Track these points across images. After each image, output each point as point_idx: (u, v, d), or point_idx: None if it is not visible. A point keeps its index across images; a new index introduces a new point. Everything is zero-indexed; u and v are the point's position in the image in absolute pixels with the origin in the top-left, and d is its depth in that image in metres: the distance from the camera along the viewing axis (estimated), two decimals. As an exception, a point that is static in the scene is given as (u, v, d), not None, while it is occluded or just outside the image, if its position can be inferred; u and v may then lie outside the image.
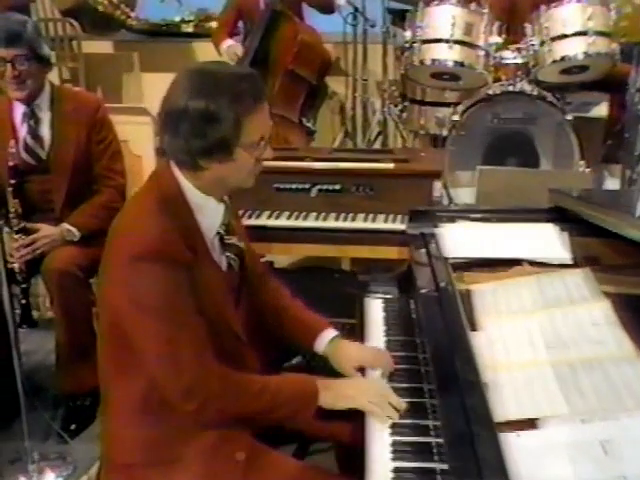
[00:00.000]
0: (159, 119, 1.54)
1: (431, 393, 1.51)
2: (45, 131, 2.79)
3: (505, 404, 1.31)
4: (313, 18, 4.07)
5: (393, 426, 1.49)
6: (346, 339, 1.80)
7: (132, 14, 5.68)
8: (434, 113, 3.81)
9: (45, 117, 2.80)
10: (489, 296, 1.73)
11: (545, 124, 3.26)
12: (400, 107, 3.83)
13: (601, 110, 3.84)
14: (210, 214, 1.61)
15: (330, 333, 1.79)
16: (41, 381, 2.95)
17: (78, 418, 2.73)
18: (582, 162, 3.18)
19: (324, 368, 2.47)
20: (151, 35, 5.42)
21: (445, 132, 3.53)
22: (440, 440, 1.36)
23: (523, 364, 1.44)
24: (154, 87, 4.72)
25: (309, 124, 4.05)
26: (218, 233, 1.64)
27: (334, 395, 1.59)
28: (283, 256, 3.25)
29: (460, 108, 3.39)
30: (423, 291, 1.74)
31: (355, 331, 1.94)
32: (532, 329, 1.56)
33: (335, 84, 4.61)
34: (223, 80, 1.50)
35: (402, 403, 1.52)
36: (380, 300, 2.06)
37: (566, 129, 3.19)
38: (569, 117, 3.20)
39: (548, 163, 3.28)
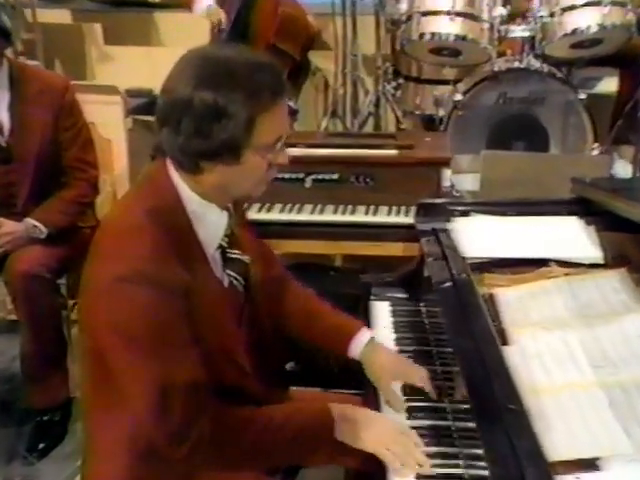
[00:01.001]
0: (157, 109, 1.35)
1: (454, 414, 1.45)
2: (4, 115, 2.60)
3: (556, 438, 1.19)
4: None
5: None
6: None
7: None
8: (431, 92, 3.68)
9: (3, 99, 2.60)
10: (516, 303, 1.62)
11: (555, 104, 3.16)
12: (394, 85, 3.65)
13: (609, 86, 3.72)
14: (211, 224, 1.44)
15: (365, 335, 1.68)
16: (4, 393, 2.83)
17: (47, 435, 2.60)
18: (596, 145, 3.05)
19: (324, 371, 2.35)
20: (114, 5, 5.15)
21: (442, 112, 3.42)
22: (472, 472, 1.28)
23: (568, 386, 1.33)
24: (120, 61, 4.59)
25: (291, 103, 3.89)
26: (220, 246, 1.47)
27: (352, 435, 1.45)
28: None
29: (462, 87, 3.27)
30: (442, 297, 1.64)
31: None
32: (571, 343, 1.45)
33: (319, 59, 4.43)
34: (237, 70, 1.30)
35: (427, 461, 1.38)
36: (387, 303, 1.98)
37: (578, 109, 3.09)
38: (582, 96, 3.07)
39: (558, 146, 3.19)
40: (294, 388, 1.77)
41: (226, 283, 1.50)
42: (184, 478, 1.44)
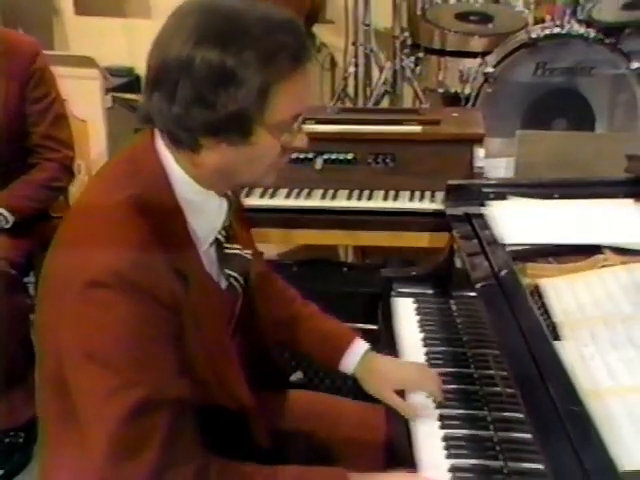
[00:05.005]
0: (147, 72, 1.24)
1: (495, 424, 1.42)
2: (-40, 84, 2.55)
3: (628, 444, 1.14)
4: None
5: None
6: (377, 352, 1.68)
7: None
8: (457, 66, 3.59)
9: (-41, 63, 2.54)
10: (567, 294, 1.58)
11: (602, 76, 3.11)
12: (412, 60, 3.58)
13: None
14: (207, 216, 1.34)
15: (360, 348, 1.63)
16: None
17: (9, 461, 2.54)
18: (649, 123, 2.98)
19: (331, 387, 2.29)
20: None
21: (469, 90, 3.38)
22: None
23: (637, 388, 1.27)
24: (94, 35, 4.48)
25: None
26: (216, 240, 1.37)
27: None
28: (275, 245, 3.09)
29: (493, 58, 3.21)
30: (481, 288, 1.59)
31: (378, 340, 1.82)
32: (638, 340, 1.39)
33: (325, 33, 4.37)
34: (250, 26, 1.19)
35: None
36: (411, 300, 1.96)
37: (629, 81, 3.05)
38: (634, 65, 3.02)
39: (605, 125, 3.14)
40: (299, 391, 1.74)
41: (224, 285, 1.41)
42: None
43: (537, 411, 1.19)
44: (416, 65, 3.67)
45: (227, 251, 1.40)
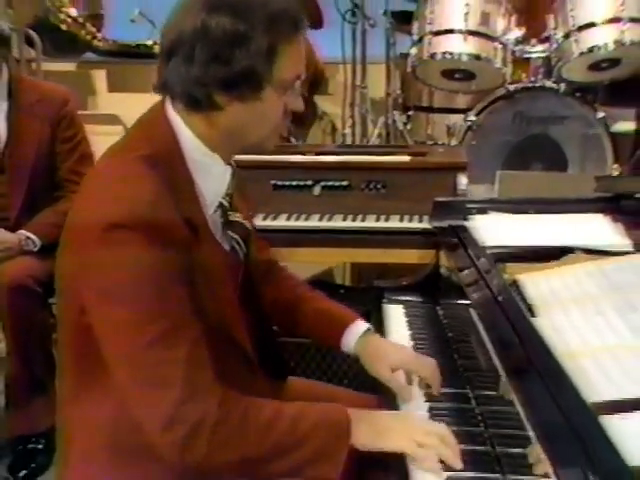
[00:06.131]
0: (162, 45, 1.29)
1: (486, 421, 1.38)
2: (1, 124, 2.63)
3: (597, 387, 1.13)
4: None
5: None
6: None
7: (99, 35, 5.53)
8: (443, 121, 3.69)
9: (1, 108, 2.63)
10: (542, 284, 1.56)
11: (573, 124, 3.17)
12: (404, 117, 3.68)
13: (627, 126, 3.71)
14: (213, 178, 1.35)
15: (360, 327, 1.58)
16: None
17: (29, 464, 2.50)
18: (615, 166, 3.03)
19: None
20: (118, 56, 5.25)
21: (455, 142, 3.42)
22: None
23: (607, 348, 1.25)
24: (123, 107, 4.62)
25: (298, 143, 3.94)
26: (221, 205, 1.38)
27: (372, 430, 1.29)
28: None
29: (475, 109, 3.29)
30: (468, 286, 1.61)
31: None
32: (607, 313, 1.38)
33: (326, 104, 4.51)
34: None
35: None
36: (401, 306, 1.95)
37: (598, 130, 3.08)
38: (600, 114, 3.05)
39: (577, 168, 3.19)
40: (294, 378, 1.67)
41: (227, 246, 1.41)
42: None
43: (517, 373, 1.22)
44: (406, 123, 3.73)
45: (230, 218, 1.41)
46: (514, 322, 1.30)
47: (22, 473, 2.47)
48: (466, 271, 1.65)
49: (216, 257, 1.34)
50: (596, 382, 1.14)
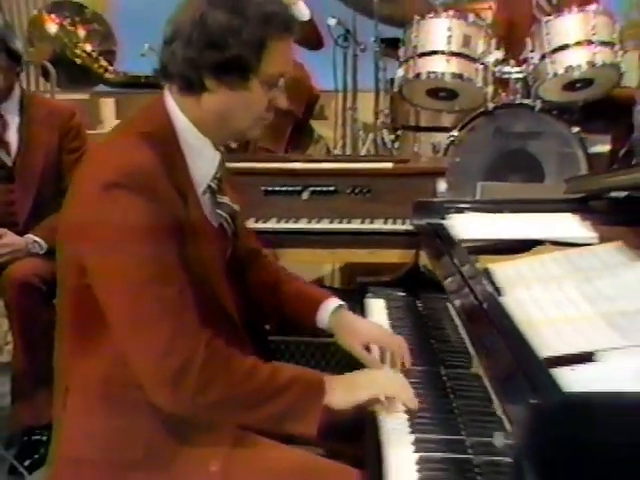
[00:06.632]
0: (165, 33, 1.38)
1: (455, 392, 1.44)
2: (12, 136, 2.72)
3: (552, 345, 1.18)
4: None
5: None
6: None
7: (110, 68, 5.67)
8: (429, 139, 3.78)
9: (13, 121, 2.73)
10: (511, 271, 1.63)
11: (550, 139, 3.25)
12: (392, 137, 3.76)
13: (602, 148, 3.78)
14: (204, 161, 1.44)
15: (333, 303, 1.64)
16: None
17: (33, 454, 2.53)
18: (591, 179, 3.08)
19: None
20: (127, 87, 5.39)
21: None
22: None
23: (565, 318, 1.32)
24: None
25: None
26: (209, 187, 1.46)
27: (345, 386, 1.39)
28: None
29: (457, 126, 3.36)
30: (444, 274, 1.65)
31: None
32: (567, 289, 1.44)
33: (322, 128, 4.62)
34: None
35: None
36: (382, 300, 1.98)
37: (572, 144, 3.15)
38: (575, 130, 3.13)
39: (554, 180, 3.22)
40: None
41: (216, 224, 1.48)
42: (156, 435, 1.36)
43: (484, 344, 1.27)
44: (394, 142, 3.78)
45: (219, 200, 1.48)
46: (482, 301, 1.36)
47: (27, 462, 2.49)
48: (442, 262, 1.70)
49: (204, 228, 1.42)
50: (551, 342, 1.20)
